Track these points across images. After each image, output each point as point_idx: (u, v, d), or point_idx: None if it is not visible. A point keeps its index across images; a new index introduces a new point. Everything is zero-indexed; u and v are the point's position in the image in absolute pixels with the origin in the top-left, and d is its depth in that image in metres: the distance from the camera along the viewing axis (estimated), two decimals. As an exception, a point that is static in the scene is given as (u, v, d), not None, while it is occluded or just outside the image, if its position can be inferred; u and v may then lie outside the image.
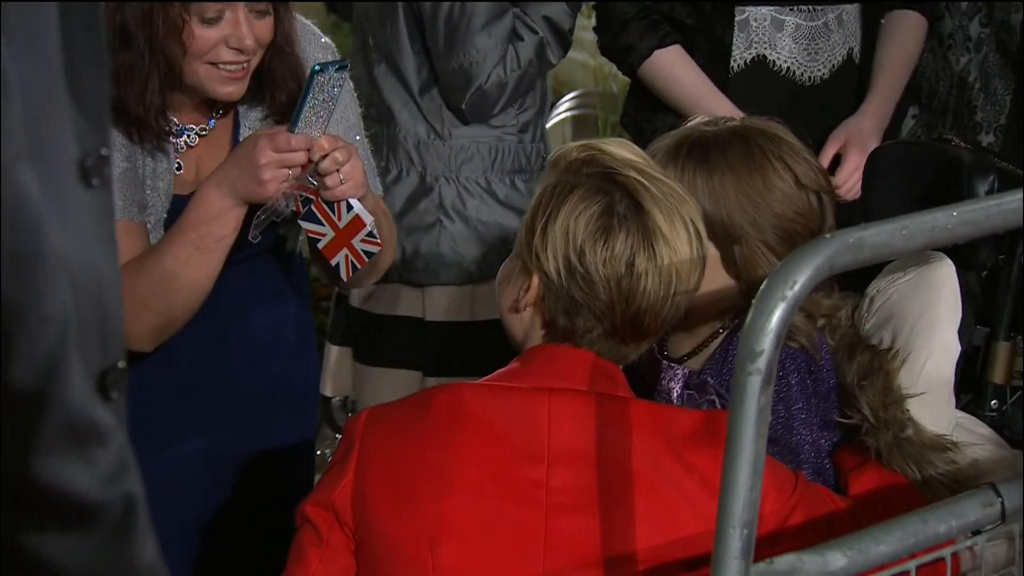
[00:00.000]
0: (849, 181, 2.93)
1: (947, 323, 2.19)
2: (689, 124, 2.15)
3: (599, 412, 1.83)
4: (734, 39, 2.93)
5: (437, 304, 3.10)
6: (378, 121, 3.08)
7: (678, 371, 2.12)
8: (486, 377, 1.92)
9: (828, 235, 1.48)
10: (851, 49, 3.02)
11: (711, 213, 2.02)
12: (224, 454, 2.48)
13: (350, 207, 2.31)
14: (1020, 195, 1.53)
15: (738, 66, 2.95)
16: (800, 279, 1.45)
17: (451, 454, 1.82)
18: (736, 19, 2.93)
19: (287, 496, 2.28)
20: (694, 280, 1.88)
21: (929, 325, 2.17)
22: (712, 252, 2.00)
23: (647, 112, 3.04)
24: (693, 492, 1.79)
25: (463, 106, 3.01)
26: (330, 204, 2.32)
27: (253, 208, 2.33)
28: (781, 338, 1.44)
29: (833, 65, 3.00)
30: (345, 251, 2.36)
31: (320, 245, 2.35)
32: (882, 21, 3.08)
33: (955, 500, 1.57)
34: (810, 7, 2.96)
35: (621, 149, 1.91)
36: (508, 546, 1.80)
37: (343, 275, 2.38)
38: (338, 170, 2.27)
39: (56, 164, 1.09)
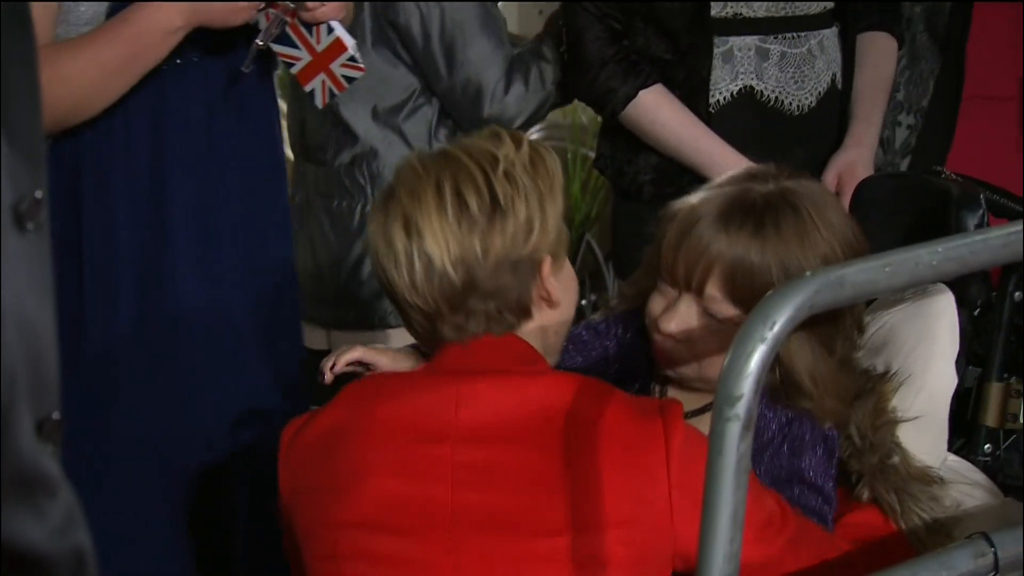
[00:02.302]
0: None
1: (944, 354, 2.19)
2: (727, 183, 2.09)
3: (506, 389, 1.88)
4: (719, 71, 2.94)
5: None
6: (357, 164, 3.11)
7: None
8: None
9: (808, 273, 1.48)
10: (834, 75, 3.03)
11: (757, 281, 1.99)
12: None
13: (331, 29, 2.27)
14: (1006, 230, 1.53)
15: (724, 98, 2.95)
16: (780, 320, 1.44)
17: (364, 441, 1.90)
18: (719, 51, 2.93)
19: None
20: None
21: (925, 354, 2.17)
22: (734, 312, 2.00)
23: (627, 153, 3.03)
24: (599, 463, 1.81)
25: (483, 117, 3.03)
26: (308, 26, 2.28)
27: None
28: (761, 382, 1.43)
29: (819, 92, 3.00)
30: (322, 76, 2.33)
31: (294, 70, 2.32)
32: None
33: (946, 550, 1.56)
34: (793, 34, 2.97)
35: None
36: (417, 522, 1.85)
37: (318, 101, 2.35)
38: None
39: (-13, 209, 1.08)
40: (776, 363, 2.00)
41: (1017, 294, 2.40)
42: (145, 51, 2.36)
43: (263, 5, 2.32)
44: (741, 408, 1.43)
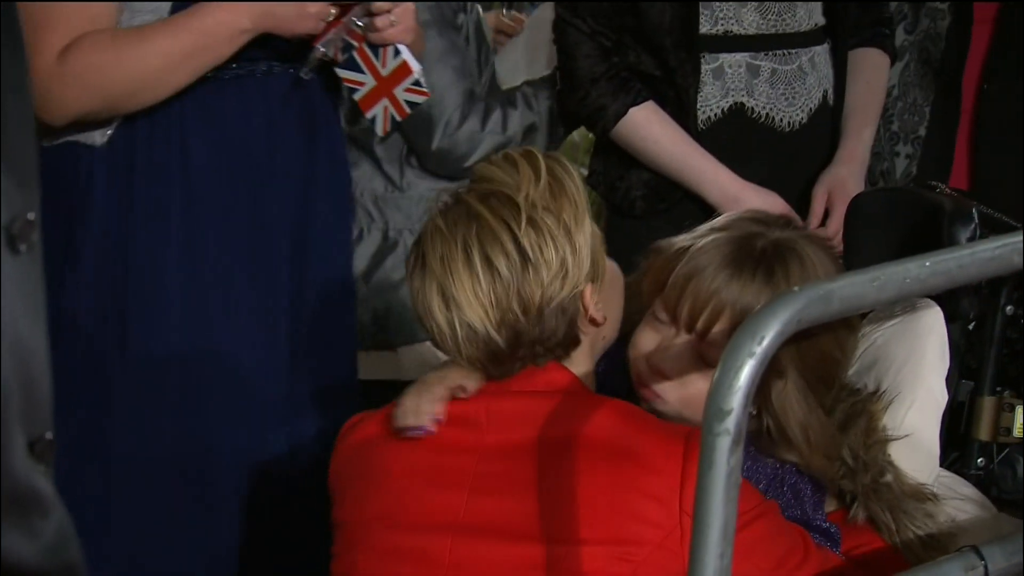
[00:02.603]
0: (840, 233, 2.95)
1: (933, 370, 2.21)
2: (730, 227, 2.10)
3: (534, 407, 1.94)
4: (710, 88, 2.95)
5: (412, 364, 3.11)
6: None
7: None
8: None
9: (796, 288, 1.49)
10: (825, 91, 3.04)
11: None
12: None
13: (397, 52, 2.25)
14: (993, 244, 1.55)
15: (715, 115, 2.96)
16: (768, 335, 1.46)
17: (400, 447, 1.99)
18: (710, 67, 2.94)
19: None
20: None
21: (915, 371, 2.18)
22: None
23: (619, 169, 3.04)
24: (612, 482, 1.86)
25: (431, 149, 3.03)
26: (375, 49, 2.27)
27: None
28: (750, 396, 1.44)
29: (810, 109, 3.01)
30: (385, 101, 2.30)
31: (357, 96, 2.29)
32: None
33: (936, 563, 1.57)
34: (784, 51, 2.99)
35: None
36: (429, 521, 1.94)
37: (379, 128, 2.34)
38: (390, 10, 2.24)
39: (-20, 231, 1.10)
40: (768, 415, 2.03)
41: (1009, 307, 2.41)
42: (209, 47, 2.36)
43: (332, 13, 2.30)
44: (731, 423, 1.44)
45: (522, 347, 1.97)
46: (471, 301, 1.95)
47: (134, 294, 2.47)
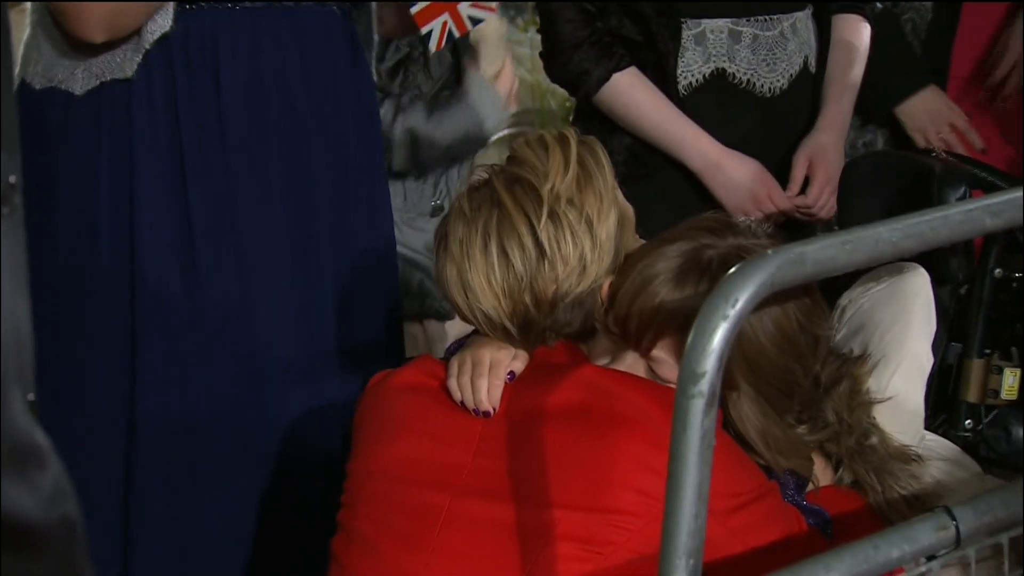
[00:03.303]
0: (820, 199, 2.97)
1: (919, 333, 2.23)
2: (681, 237, 2.07)
3: (545, 377, 1.99)
4: (692, 53, 2.97)
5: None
6: None
7: None
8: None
9: (770, 251, 1.51)
10: (806, 57, 3.05)
11: None
12: None
13: None
14: (965, 207, 1.57)
15: (696, 81, 2.98)
16: (742, 297, 1.48)
17: (414, 404, 2.05)
18: (692, 32, 2.95)
19: None
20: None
21: (900, 335, 2.21)
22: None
23: (600, 135, 3.01)
24: (613, 450, 1.89)
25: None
26: None
27: None
28: (723, 359, 1.46)
29: (791, 75, 3.02)
30: (445, 16, 2.25)
31: (415, 9, 2.22)
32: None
33: (907, 524, 1.59)
34: (765, 17, 3.00)
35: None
36: (432, 477, 1.98)
37: (433, 44, 2.30)
38: None
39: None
40: (728, 421, 2.04)
41: (997, 270, 2.44)
42: None
43: None
44: (704, 385, 1.46)
45: (535, 333, 2.03)
46: (484, 289, 2.00)
47: (171, 245, 2.51)
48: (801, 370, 2.04)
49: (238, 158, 2.50)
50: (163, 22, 2.44)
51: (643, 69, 2.97)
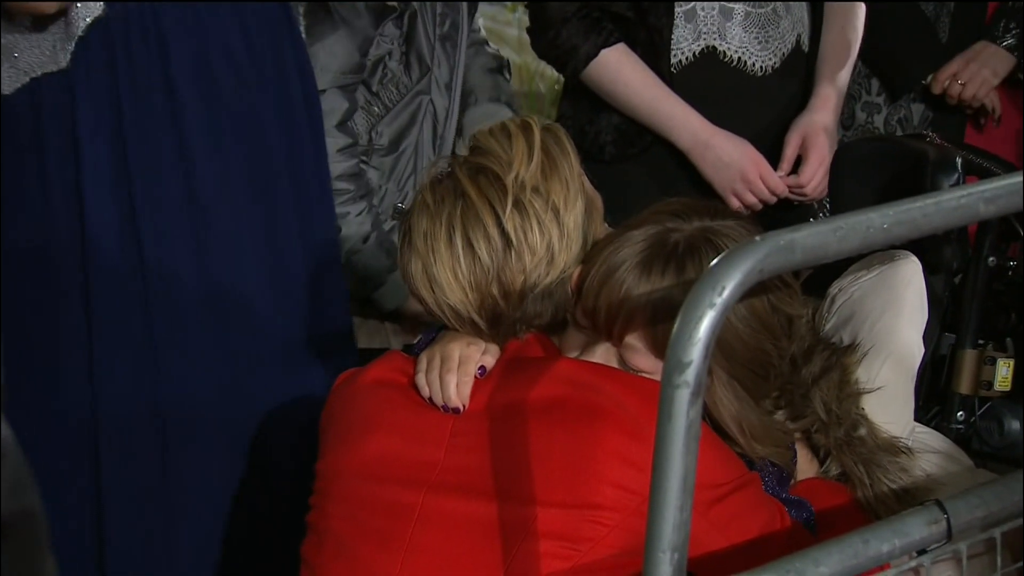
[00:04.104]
0: (814, 180, 2.96)
1: (910, 322, 2.21)
2: (648, 221, 2.02)
3: (517, 372, 1.97)
4: (682, 31, 2.95)
5: None
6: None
7: None
8: None
9: (758, 238, 1.49)
10: (799, 36, 3.04)
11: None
12: None
13: None
14: (958, 193, 1.55)
15: (687, 58, 2.96)
16: (729, 285, 1.45)
17: (384, 401, 2.03)
18: (683, 9, 2.94)
19: None
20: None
21: (891, 324, 2.19)
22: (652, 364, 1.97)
23: (588, 113, 3.04)
24: (590, 445, 1.87)
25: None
26: None
27: None
28: (710, 348, 1.44)
29: (784, 53, 3.01)
30: None
31: None
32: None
33: (898, 518, 1.57)
34: None
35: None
36: (405, 474, 1.96)
37: None
38: None
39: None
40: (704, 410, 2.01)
41: (991, 259, 2.42)
42: None
43: None
44: (690, 374, 1.44)
45: (504, 326, 2.00)
46: (451, 283, 1.98)
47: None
48: (776, 351, 2.01)
49: (191, 137, 2.49)
50: (93, 7, 2.41)
51: (633, 46, 2.95)
